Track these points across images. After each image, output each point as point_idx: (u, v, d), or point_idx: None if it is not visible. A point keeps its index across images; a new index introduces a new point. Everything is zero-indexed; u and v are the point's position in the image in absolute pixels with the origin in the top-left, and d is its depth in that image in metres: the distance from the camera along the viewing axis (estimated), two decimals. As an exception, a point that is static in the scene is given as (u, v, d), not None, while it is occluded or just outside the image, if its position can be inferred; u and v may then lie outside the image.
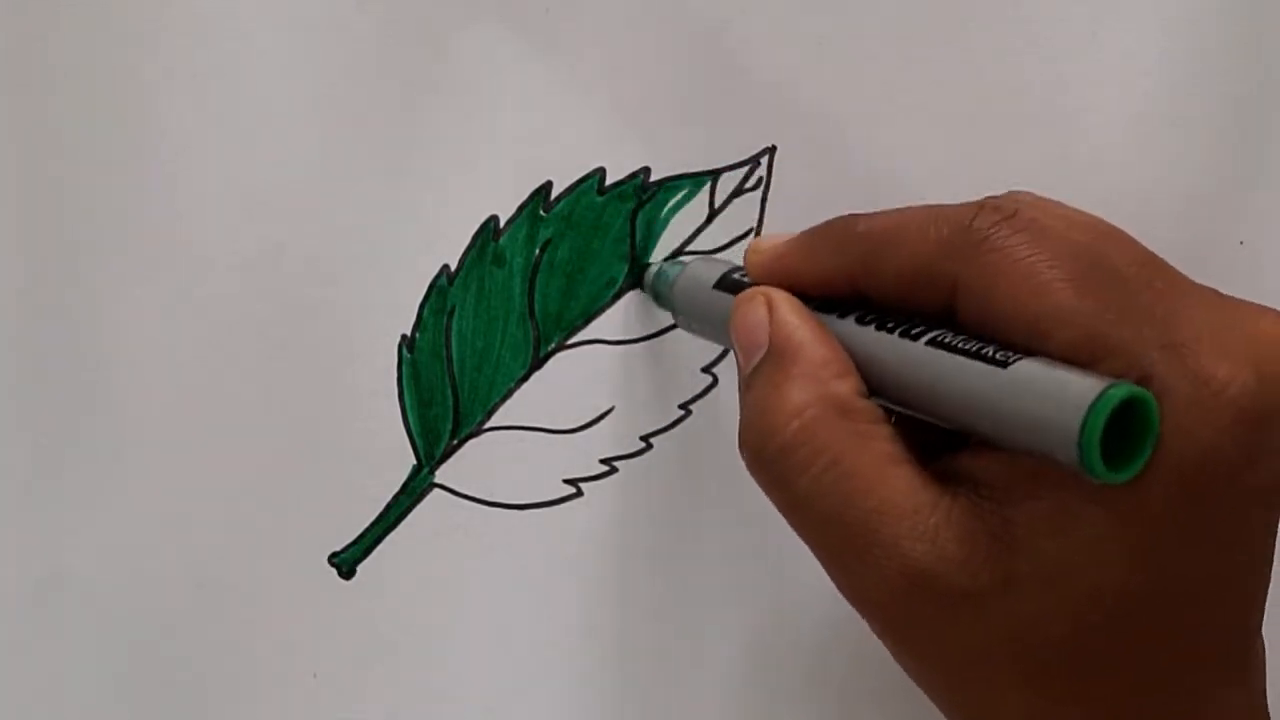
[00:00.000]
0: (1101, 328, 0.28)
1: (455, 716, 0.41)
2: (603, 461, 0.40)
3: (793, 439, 0.30)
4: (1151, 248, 0.38)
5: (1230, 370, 0.27)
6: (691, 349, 0.39)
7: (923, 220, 0.31)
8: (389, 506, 0.40)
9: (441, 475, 0.40)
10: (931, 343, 0.30)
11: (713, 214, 0.39)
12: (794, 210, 0.39)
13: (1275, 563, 0.31)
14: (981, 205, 0.31)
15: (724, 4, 0.38)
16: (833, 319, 0.32)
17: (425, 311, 0.39)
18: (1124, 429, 0.27)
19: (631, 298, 0.39)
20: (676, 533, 0.40)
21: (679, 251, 0.39)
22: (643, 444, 0.40)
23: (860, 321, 0.32)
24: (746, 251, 0.35)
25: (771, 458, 0.31)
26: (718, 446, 0.40)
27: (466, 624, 0.41)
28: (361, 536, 0.40)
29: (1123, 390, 0.26)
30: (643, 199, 0.39)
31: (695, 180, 0.39)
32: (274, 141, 0.39)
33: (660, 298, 0.38)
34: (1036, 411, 0.27)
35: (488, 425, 0.40)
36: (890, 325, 0.31)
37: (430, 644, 0.41)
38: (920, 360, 0.30)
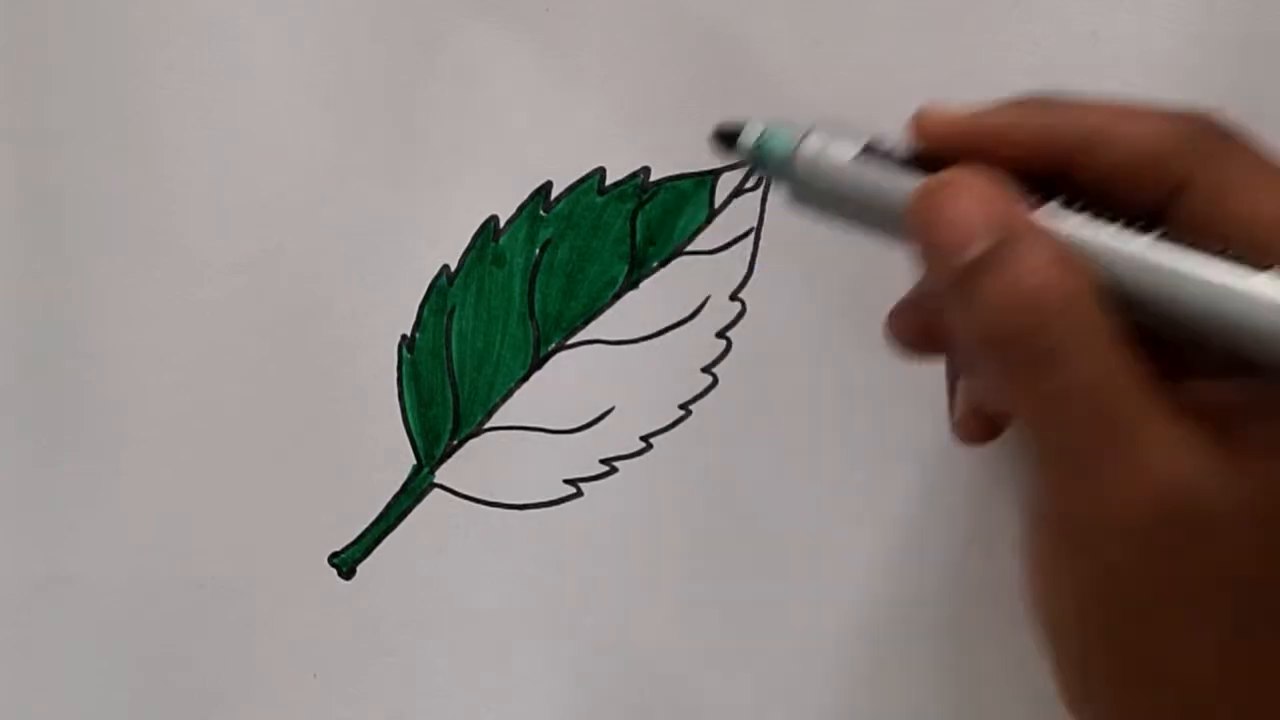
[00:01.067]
0: None
1: (455, 716, 0.41)
2: (603, 461, 0.40)
3: (1077, 318, 0.27)
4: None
5: None
6: (692, 349, 0.39)
7: (1152, 111, 0.30)
8: (389, 506, 0.40)
9: (441, 475, 0.40)
10: (1169, 238, 0.28)
11: (713, 214, 0.39)
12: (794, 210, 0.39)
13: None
14: (1210, 112, 0.30)
15: (724, 4, 0.38)
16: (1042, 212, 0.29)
17: (425, 312, 0.39)
18: None
19: (632, 297, 0.39)
20: (676, 533, 0.40)
21: (678, 252, 0.39)
22: (643, 444, 0.40)
23: (1083, 212, 0.29)
24: (914, 118, 0.31)
25: (1054, 339, 0.27)
26: (718, 447, 0.40)
27: (466, 624, 0.40)
28: (361, 536, 0.40)
29: None
30: (643, 199, 0.39)
31: (695, 180, 0.39)
32: (274, 142, 0.39)
33: (773, 168, 0.32)
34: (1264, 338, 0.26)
35: (488, 425, 0.40)
36: (1115, 217, 0.28)
37: (430, 644, 0.41)
38: (1159, 263, 0.28)
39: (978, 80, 0.38)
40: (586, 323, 0.39)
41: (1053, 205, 0.29)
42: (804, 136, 0.31)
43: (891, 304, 0.39)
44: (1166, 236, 0.28)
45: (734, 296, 0.39)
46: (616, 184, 0.39)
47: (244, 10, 0.38)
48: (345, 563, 0.40)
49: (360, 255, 0.39)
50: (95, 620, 0.41)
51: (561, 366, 0.40)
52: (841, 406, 0.39)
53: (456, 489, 0.40)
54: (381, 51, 0.38)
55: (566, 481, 0.40)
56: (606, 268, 0.39)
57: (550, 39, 0.38)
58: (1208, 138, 0.29)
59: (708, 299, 0.39)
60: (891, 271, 0.39)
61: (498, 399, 0.40)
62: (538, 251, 0.39)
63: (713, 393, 0.40)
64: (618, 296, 0.39)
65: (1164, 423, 0.27)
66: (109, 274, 0.39)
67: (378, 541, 0.40)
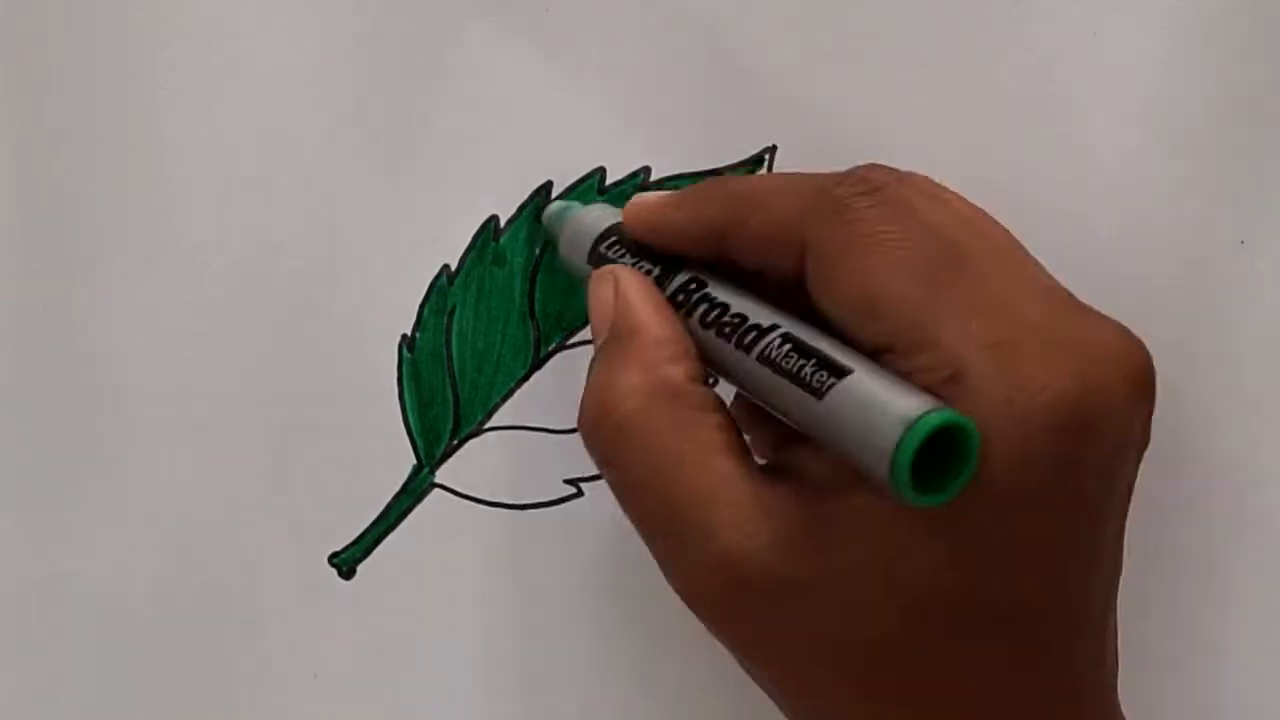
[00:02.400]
0: (925, 318, 0.28)
1: (457, 716, 0.41)
2: (604, 461, 0.40)
3: (623, 421, 0.30)
4: (1152, 245, 0.38)
5: (1049, 376, 0.27)
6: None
7: (789, 183, 0.31)
8: (389, 506, 0.40)
9: (442, 475, 0.40)
10: (761, 356, 0.30)
11: (713, 214, 0.39)
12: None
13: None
14: (849, 174, 0.30)
15: (724, 3, 0.38)
16: (695, 291, 0.32)
17: (426, 311, 0.39)
18: (943, 445, 0.26)
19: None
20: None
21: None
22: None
23: (704, 321, 0.32)
24: (626, 205, 0.35)
25: (604, 438, 0.31)
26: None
27: (467, 624, 0.40)
28: (362, 537, 0.40)
29: (934, 420, 0.26)
30: (643, 198, 0.39)
31: (696, 180, 0.39)
32: (274, 142, 0.39)
33: (550, 236, 0.38)
34: (850, 440, 0.27)
35: (488, 425, 0.40)
36: (728, 327, 0.31)
37: (431, 644, 0.41)
38: (749, 369, 0.30)
39: (977, 80, 0.38)
40: (587, 322, 0.39)
41: (697, 306, 0.32)
42: (567, 213, 0.37)
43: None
44: (764, 354, 0.30)
45: (734, 296, 0.39)
46: (617, 183, 0.39)
47: (244, 10, 0.38)
48: (345, 563, 0.40)
49: (360, 255, 0.39)
50: (95, 620, 0.41)
51: (562, 366, 0.40)
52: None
53: (457, 489, 0.40)
54: (382, 51, 0.38)
55: (567, 481, 0.40)
56: (607, 267, 0.39)
57: (550, 39, 0.38)
58: (827, 205, 0.30)
59: (708, 298, 0.39)
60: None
61: (498, 399, 0.40)
62: (538, 251, 0.39)
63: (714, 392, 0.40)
64: (618, 296, 0.39)
65: (727, 503, 0.29)
66: (109, 274, 0.39)
67: (378, 541, 0.40)
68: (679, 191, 0.34)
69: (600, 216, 0.36)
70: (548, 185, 0.39)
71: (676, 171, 0.39)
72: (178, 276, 0.39)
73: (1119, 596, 0.31)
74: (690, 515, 0.29)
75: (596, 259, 0.35)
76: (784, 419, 0.30)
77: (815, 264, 0.30)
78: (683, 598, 0.31)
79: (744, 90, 0.38)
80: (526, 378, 0.40)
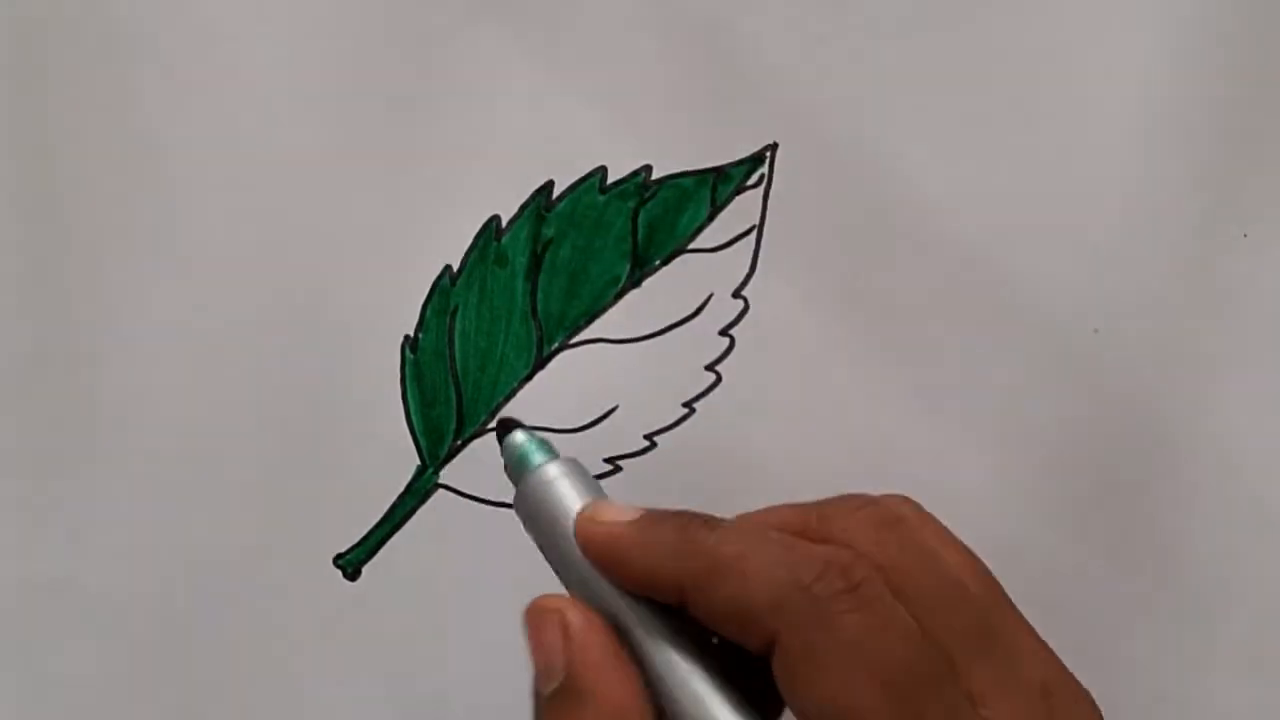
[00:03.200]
0: None
1: (460, 716, 0.41)
2: (607, 461, 0.40)
3: None
4: (1153, 244, 0.38)
5: None
6: (695, 347, 0.39)
7: (765, 557, 0.29)
8: (393, 507, 0.40)
9: (445, 475, 0.40)
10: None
11: (714, 211, 0.39)
12: (796, 207, 0.39)
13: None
14: (829, 564, 0.28)
15: (725, 2, 0.38)
16: (650, 640, 0.30)
17: (428, 312, 0.39)
18: None
19: (634, 296, 0.39)
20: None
21: (680, 250, 0.39)
22: (647, 443, 0.40)
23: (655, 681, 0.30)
24: (579, 518, 0.31)
25: None
26: (722, 444, 0.40)
27: (471, 624, 0.40)
28: (366, 538, 0.40)
29: None
30: (644, 197, 0.39)
31: (697, 178, 0.39)
32: (276, 143, 0.39)
33: (510, 475, 0.33)
34: None
35: (491, 425, 0.40)
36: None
37: (434, 644, 0.41)
38: None
39: (979, 77, 0.38)
40: (589, 322, 0.39)
41: (661, 647, 0.29)
42: (539, 466, 0.32)
43: (892, 301, 0.39)
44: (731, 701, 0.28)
45: (736, 294, 0.39)
46: (618, 183, 0.39)
47: (245, 12, 0.38)
48: (350, 564, 0.40)
49: (363, 256, 0.39)
50: (98, 621, 0.41)
51: (564, 366, 0.40)
52: (843, 403, 0.39)
53: (460, 489, 0.40)
54: (383, 52, 0.38)
55: (570, 480, 0.40)
56: (609, 266, 0.39)
57: (550, 38, 0.38)
58: (802, 603, 0.28)
59: (710, 297, 0.39)
60: (892, 270, 0.39)
61: (501, 398, 0.40)
62: (540, 251, 0.39)
63: (716, 390, 0.40)
64: (620, 295, 0.39)
65: None
66: (110, 276, 0.39)
67: (382, 542, 0.40)
68: (640, 521, 0.31)
69: (561, 496, 0.32)
70: (549, 185, 0.39)
71: (678, 169, 0.39)
72: (179, 278, 0.39)
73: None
74: None
75: (557, 555, 0.32)
76: None
77: (784, 662, 0.28)
78: None
79: (744, 90, 0.38)
80: (529, 377, 0.40)
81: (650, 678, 0.29)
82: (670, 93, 0.38)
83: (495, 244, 0.39)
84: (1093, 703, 0.29)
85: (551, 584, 0.40)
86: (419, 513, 0.40)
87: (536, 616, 0.31)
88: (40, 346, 0.40)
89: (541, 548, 0.32)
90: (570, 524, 0.31)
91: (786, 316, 0.39)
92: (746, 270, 0.39)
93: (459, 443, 0.40)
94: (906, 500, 0.30)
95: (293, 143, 0.39)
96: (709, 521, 0.30)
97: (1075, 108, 0.38)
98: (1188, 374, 0.39)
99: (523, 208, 0.39)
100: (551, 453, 0.33)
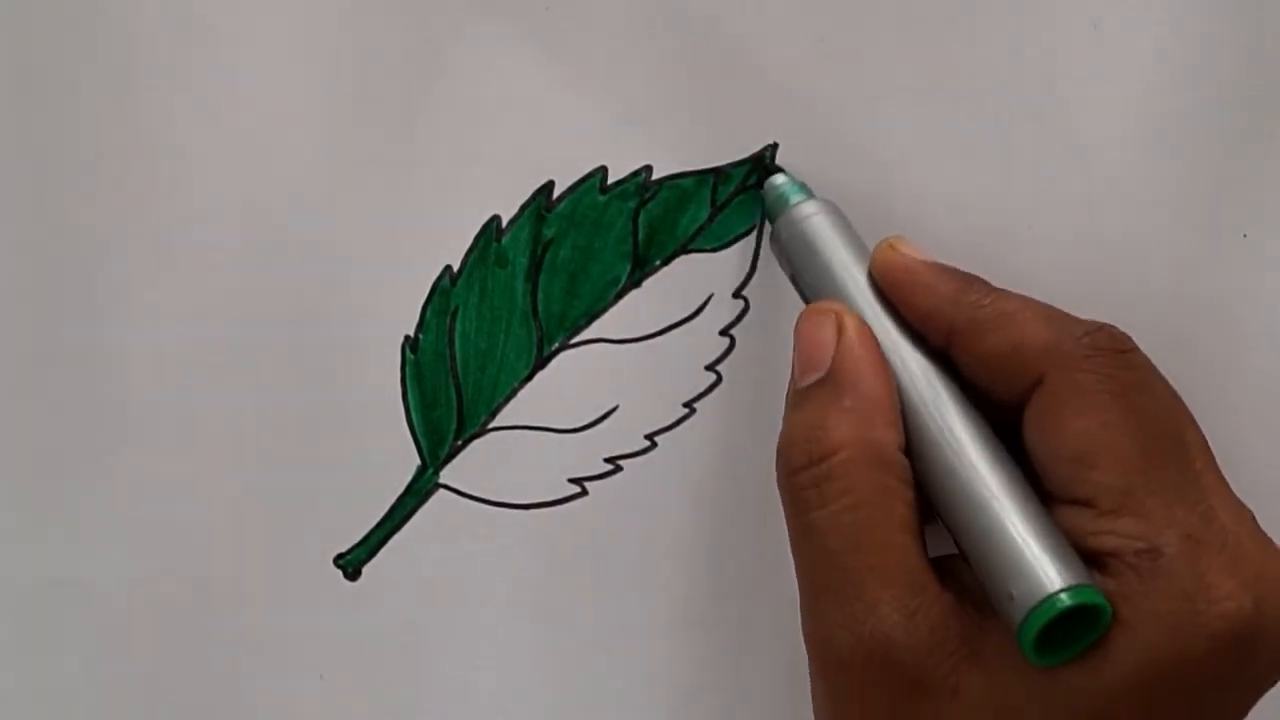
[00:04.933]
0: (1139, 488, 0.29)
1: (461, 716, 0.41)
2: (607, 460, 0.40)
3: (828, 471, 0.31)
4: (1154, 242, 0.38)
5: (1234, 588, 0.28)
6: (695, 347, 0.39)
7: (1041, 313, 0.32)
8: (394, 507, 0.40)
9: (446, 475, 0.40)
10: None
11: (715, 211, 0.39)
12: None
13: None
14: (1104, 326, 0.31)
15: (725, 2, 0.38)
16: (910, 358, 0.33)
17: (428, 312, 0.39)
18: (1081, 610, 0.28)
19: (634, 296, 0.39)
20: (681, 532, 0.40)
21: (680, 250, 0.39)
22: (647, 443, 0.40)
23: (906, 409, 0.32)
24: (882, 243, 0.34)
25: (803, 481, 0.31)
26: (722, 445, 0.40)
27: (472, 624, 0.40)
28: (366, 538, 0.40)
29: (1066, 602, 0.27)
30: (645, 197, 0.39)
31: (698, 178, 0.39)
32: (275, 143, 0.39)
33: (768, 213, 0.38)
34: (995, 586, 0.29)
35: (492, 425, 0.40)
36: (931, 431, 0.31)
37: (436, 644, 0.41)
38: (937, 479, 0.31)
39: (979, 75, 0.38)
40: (589, 322, 0.39)
41: (916, 362, 0.33)
42: (803, 200, 0.36)
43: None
44: (985, 444, 0.31)
45: (737, 294, 0.39)
46: (618, 183, 0.39)
47: (244, 12, 0.38)
48: (350, 564, 0.40)
49: (362, 256, 0.39)
50: (98, 622, 0.41)
51: (565, 366, 0.40)
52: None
53: (461, 489, 0.40)
54: (382, 52, 0.38)
55: (571, 481, 0.40)
56: (609, 267, 0.39)
57: (550, 38, 0.38)
58: (1074, 348, 0.31)
59: (711, 297, 0.39)
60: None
61: (501, 399, 0.40)
62: (540, 251, 0.39)
63: (716, 390, 0.40)
64: (620, 295, 0.39)
65: (901, 585, 0.30)
66: (110, 277, 0.39)
67: (383, 542, 0.40)
68: (932, 266, 0.34)
69: (829, 231, 0.36)
70: (549, 185, 0.39)
71: (679, 169, 0.39)
72: (179, 278, 0.39)
73: None
74: (864, 583, 0.30)
75: (816, 277, 0.35)
76: (950, 529, 0.31)
77: (1045, 399, 0.30)
78: (817, 654, 0.31)
79: (744, 88, 0.38)
80: (530, 377, 0.40)
81: (904, 392, 0.32)
82: (670, 93, 0.38)
83: (495, 244, 0.39)
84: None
85: (555, 585, 0.41)
86: (419, 513, 0.40)
87: (814, 314, 0.34)
88: (40, 346, 0.40)
89: (801, 274, 0.35)
90: (847, 255, 0.35)
91: (786, 316, 0.39)
92: (747, 270, 0.39)
93: (459, 443, 0.40)
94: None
95: (292, 143, 0.39)
96: (986, 283, 0.33)
97: (1076, 107, 0.38)
98: (1188, 374, 0.39)
99: (523, 208, 0.39)
100: (810, 193, 0.37)
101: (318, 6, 0.38)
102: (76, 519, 0.40)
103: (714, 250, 0.39)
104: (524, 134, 0.39)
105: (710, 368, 0.40)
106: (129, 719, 0.41)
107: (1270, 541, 0.30)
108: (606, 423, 0.40)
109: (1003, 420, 0.32)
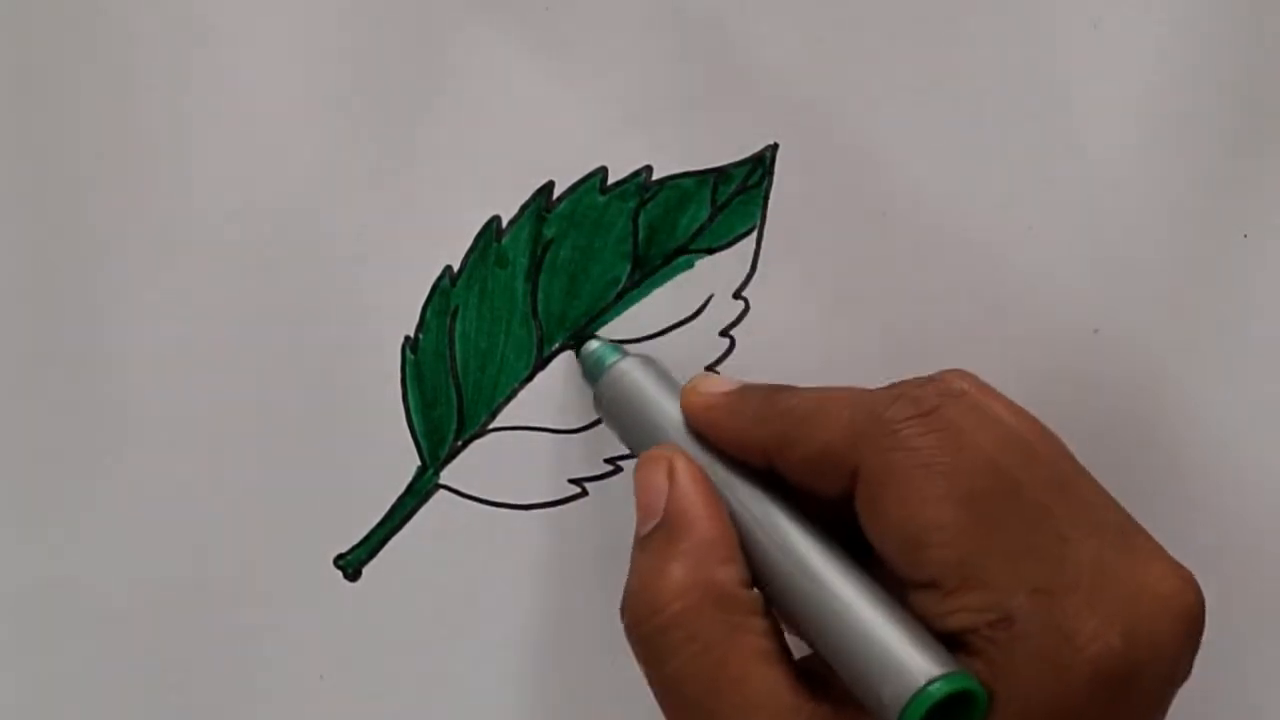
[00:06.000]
0: (976, 557, 0.28)
1: (462, 717, 0.41)
2: (607, 461, 0.40)
3: (669, 620, 0.30)
4: (1153, 244, 0.38)
5: (1097, 627, 0.27)
6: (695, 347, 0.39)
7: (841, 403, 0.31)
8: (394, 508, 0.40)
9: (446, 476, 0.40)
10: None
11: (715, 212, 0.39)
12: (796, 207, 0.39)
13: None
14: (900, 394, 0.30)
15: (725, 2, 0.38)
16: (740, 489, 0.33)
17: (428, 313, 0.39)
18: (955, 699, 0.27)
19: (634, 296, 0.39)
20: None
21: (681, 250, 0.39)
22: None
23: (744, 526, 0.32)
24: (686, 387, 0.35)
25: (647, 634, 0.31)
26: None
27: (472, 624, 0.41)
28: (367, 538, 0.40)
29: (941, 690, 0.27)
30: (645, 198, 0.39)
31: (697, 178, 0.39)
32: (275, 143, 0.39)
33: (588, 377, 0.38)
34: (863, 688, 0.28)
35: (492, 425, 0.40)
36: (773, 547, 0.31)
37: (436, 644, 0.41)
38: (786, 594, 0.31)
39: (979, 75, 0.38)
40: (590, 322, 0.39)
41: (752, 492, 0.32)
42: (618, 360, 0.37)
43: (892, 301, 0.39)
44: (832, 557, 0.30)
45: (737, 295, 0.39)
46: (618, 183, 0.39)
47: (244, 12, 0.38)
48: (351, 564, 0.40)
49: (363, 256, 0.39)
50: (98, 623, 0.41)
51: (565, 366, 0.40)
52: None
53: (461, 489, 0.40)
54: (382, 52, 0.38)
55: (571, 481, 0.40)
56: (609, 267, 0.39)
57: (551, 38, 0.38)
58: (878, 429, 0.30)
59: (711, 298, 0.39)
60: (894, 270, 0.39)
61: (501, 399, 0.40)
62: (540, 251, 0.39)
63: (717, 391, 0.40)
64: (620, 296, 0.39)
65: (768, 715, 0.29)
66: (110, 277, 0.39)
67: (383, 543, 0.40)
68: (734, 393, 0.34)
69: (642, 380, 0.36)
70: (549, 185, 0.39)
71: (679, 170, 0.39)
72: (179, 278, 0.39)
73: None
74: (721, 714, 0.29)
75: (642, 431, 0.35)
76: (812, 646, 0.30)
77: (865, 490, 0.30)
78: None
79: (744, 89, 0.38)
80: (530, 378, 0.40)
81: (740, 523, 0.32)
82: (670, 93, 0.38)
83: (495, 245, 0.39)
84: (1166, 552, 0.29)
85: (556, 585, 0.41)
86: (419, 513, 0.40)
87: (647, 462, 0.34)
88: (40, 346, 0.40)
89: (628, 430, 0.36)
90: (664, 403, 0.35)
91: (787, 317, 0.39)
92: (747, 271, 0.39)
93: (460, 443, 0.40)
94: (966, 374, 0.31)
95: (292, 142, 0.39)
96: (792, 389, 0.33)
97: (1076, 107, 0.38)
98: (1188, 374, 0.39)
99: (523, 208, 0.39)
100: (624, 352, 0.38)
101: (318, 6, 0.38)
102: (76, 519, 0.40)
103: (714, 251, 0.39)
104: (524, 134, 0.39)
105: (710, 368, 0.40)
106: (127, 718, 0.41)
107: (1139, 546, 0.29)
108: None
109: (844, 522, 0.31)
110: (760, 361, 0.39)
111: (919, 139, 0.38)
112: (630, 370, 0.37)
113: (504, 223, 0.39)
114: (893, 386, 0.31)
